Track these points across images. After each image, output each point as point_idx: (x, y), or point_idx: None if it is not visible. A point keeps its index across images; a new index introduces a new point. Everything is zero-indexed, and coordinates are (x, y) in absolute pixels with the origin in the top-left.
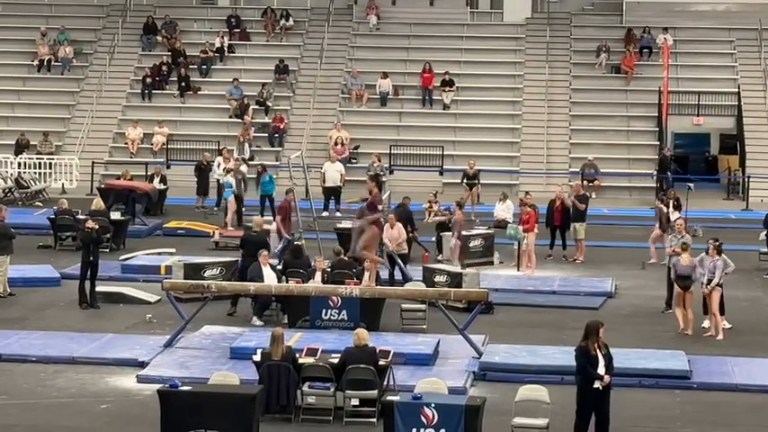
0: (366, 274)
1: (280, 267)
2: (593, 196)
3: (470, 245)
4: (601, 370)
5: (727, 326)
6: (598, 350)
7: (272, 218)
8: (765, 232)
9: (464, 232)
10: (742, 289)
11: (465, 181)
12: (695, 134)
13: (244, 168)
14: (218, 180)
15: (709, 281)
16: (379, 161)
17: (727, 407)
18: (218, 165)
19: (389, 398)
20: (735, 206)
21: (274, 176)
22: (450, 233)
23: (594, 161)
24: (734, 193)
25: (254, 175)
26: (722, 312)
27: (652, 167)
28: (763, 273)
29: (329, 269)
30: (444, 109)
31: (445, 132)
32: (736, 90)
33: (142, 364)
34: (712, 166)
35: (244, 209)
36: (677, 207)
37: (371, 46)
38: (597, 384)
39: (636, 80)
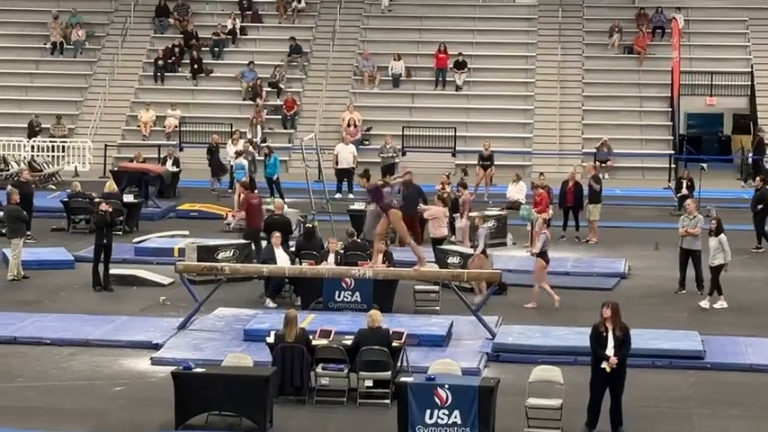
0: (379, 256)
1: (292, 249)
2: (606, 177)
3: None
4: (609, 351)
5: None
6: (611, 331)
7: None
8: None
9: (476, 213)
10: (755, 269)
11: (480, 162)
12: (708, 114)
13: (252, 150)
14: (229, 162)
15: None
16: (390, 143)
17: (740, 387)
18: (230, 147)
19: (403, 379)
20: (748, 186)
21: (287, 158)
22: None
23: (607, 142)
24: (747, 174)
25: (262, 158)
26: (720, 292)
27: (665, 148)
28: None
29: (342, 251)
30: (457, 90)
31: (458, 114)
32: (749, 70)
33: (156, 347)
34: (725, 146)
35: (256, 191)
36: (690, 188)
37: (383, 27)
38: (604, 365)
39: (649, 60)
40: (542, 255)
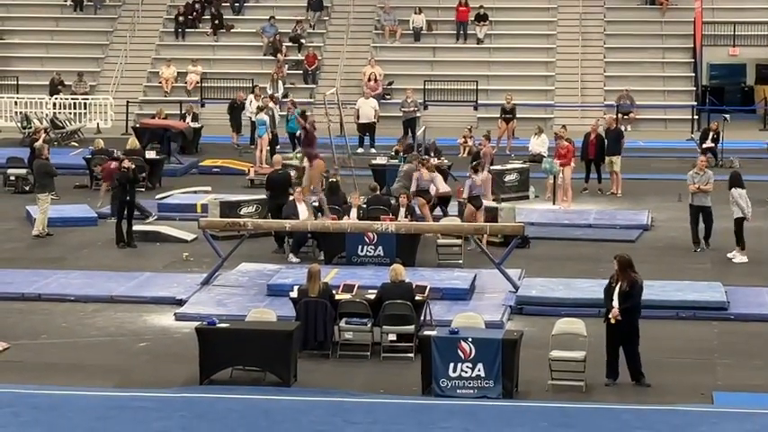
0: (402, 210)
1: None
2: (629, 129)
3: (505, 179)
4: (615, 303)
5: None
6: (618, 284)
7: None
8: None
9: (498, 166)
10: None
11: (502, 115)
12: (731, 65)
13: (272, 105)
14: (249, 118)
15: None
16: (411, 97)
17: (764, 338)
18: (251, 103)
19: (426, 333)
20: None
21: (309, 113)
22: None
23: (627, 93)
24: None
25: (285, 113)
26: (742, 245)
27: (688, 99)
28: None
29: (365, 205)
30: (478, 43)
31: (479, 67)
32: None
33: (180, 302)
34: (748, 96)
35: (278, 147)
36: (716, 140)
37: None
38: (610, 315)
39: (671, 11)
40: (472, 200)
